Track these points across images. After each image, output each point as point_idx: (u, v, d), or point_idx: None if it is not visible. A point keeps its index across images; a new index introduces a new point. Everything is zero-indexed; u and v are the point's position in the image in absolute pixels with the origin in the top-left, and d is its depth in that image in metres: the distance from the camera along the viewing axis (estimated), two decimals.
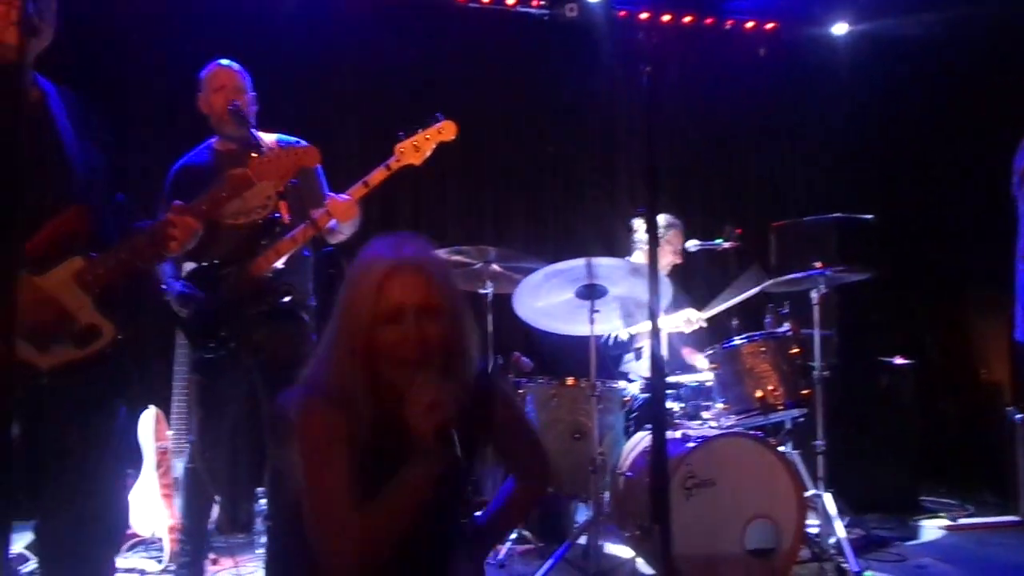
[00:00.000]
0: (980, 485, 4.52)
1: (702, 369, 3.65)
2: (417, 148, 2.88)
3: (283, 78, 4.31)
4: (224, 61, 3.01)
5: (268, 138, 2.93)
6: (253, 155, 2.29)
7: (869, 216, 4.60)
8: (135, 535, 3.60)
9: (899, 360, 4.41)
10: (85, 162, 1.86)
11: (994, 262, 2.88)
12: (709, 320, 3.94)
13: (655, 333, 1.57)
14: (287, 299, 2.88)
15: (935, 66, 5.10)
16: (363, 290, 1.54)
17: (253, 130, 2.83)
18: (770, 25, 5.32)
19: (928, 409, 4.71)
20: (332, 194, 2.91)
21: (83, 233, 1.80)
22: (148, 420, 3.63)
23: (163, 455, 3.59)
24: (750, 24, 5.31)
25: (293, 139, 2.93)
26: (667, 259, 4.07)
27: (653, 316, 1.58)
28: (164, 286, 2.85)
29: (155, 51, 4.24)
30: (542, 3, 4.70)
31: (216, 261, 2.80)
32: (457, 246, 3.67)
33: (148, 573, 3.46)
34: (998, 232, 3.15)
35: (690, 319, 3.90)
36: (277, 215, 2.80)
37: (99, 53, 3.92)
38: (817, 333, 3.50)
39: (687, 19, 5.16)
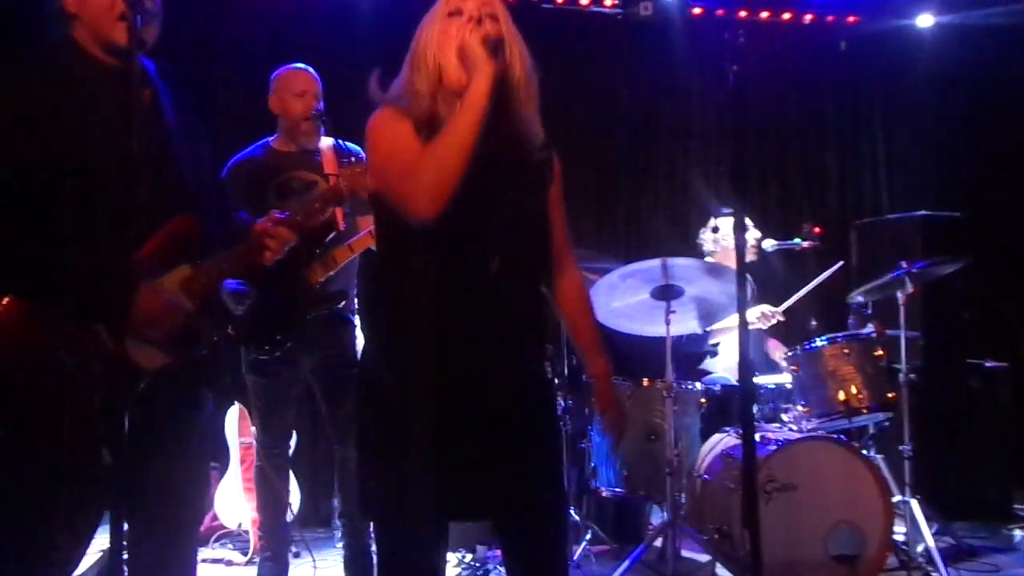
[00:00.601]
0: None
1: (783, 365, 3.57)
2: None
3: (346, 80, 4.42)
4: (301, 65, 3.05)
5: (326, 142, 2.99)
6: (343, 163, 2.34)
7: (957, 213, 4.43)
8: (222, 527, 3.74)
9: (990, 363, 4.24)
10: (195, 162, 1.90)
11: None
12: (788, 319, 3.87)
13: (743, 332, 1.55)
14: (340, 305, 2.94)
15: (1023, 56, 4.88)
16: (436, 5, 1.70)
17: (327, 135, 2.90)
18: (851, 19, 5.17)
19: (1021, 414, 4.50)
20: None
21: (193, 240, 1.85)
22: (233, 416, 3.77)
23: (247, 450, 3.71)
24: (830, 18, 5.17)
25: (349, 145, 2.94)
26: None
27: (742, 315, 1.56)
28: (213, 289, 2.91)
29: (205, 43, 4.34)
30: (616, 2, 4.75)
31: (269, 265, 2.85)
32: None
33: (234, 563, 3.59)
34: None
35: (765, 314, 3.84)
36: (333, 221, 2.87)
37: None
38: (903, 335, 3.40)
39: (764, 14, 5.06)
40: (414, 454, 1.59)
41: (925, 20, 5.16)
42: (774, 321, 3.86)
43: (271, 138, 3.09)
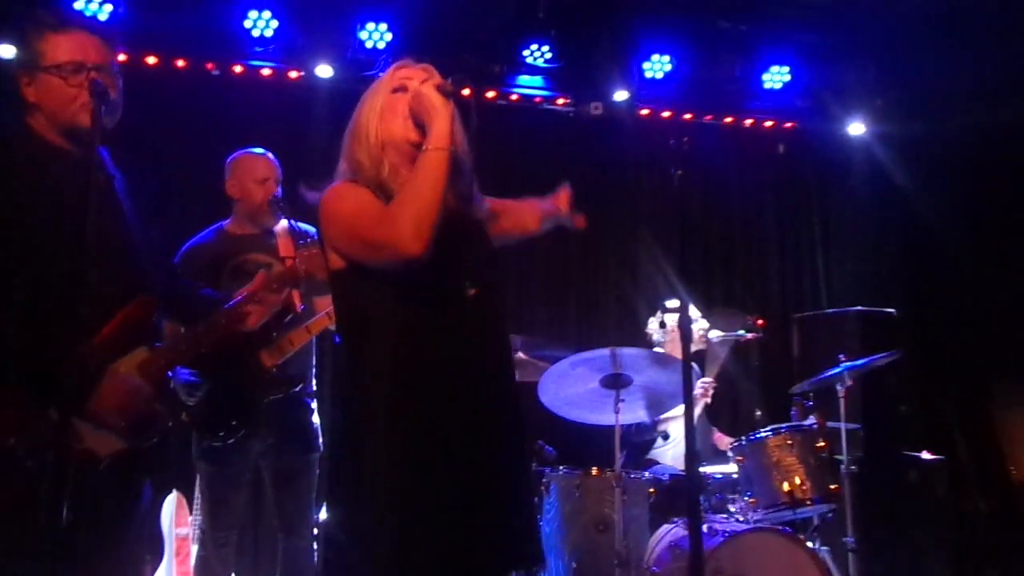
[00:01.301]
0: None
1: (727, 453, 3.63)
2: None
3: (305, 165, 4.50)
4: (260, 150, 3.09)
5: (280, 224, 3.02)
6: (299, 244, 2.38)
7: (891, 310, 4.63)
8: None
9: (927, 455, 4.35)
10: (148, 245, 1.91)
11: (1018, 355, 2.89)
12: (734, 409, 3.94)
13: (690, 426, 1.60)
14: (297, 388, 2.93)
15: (954, 164, 5.22)
16: (379, 82, 1.82)
17: (283, 218, 2.94)
18: (788, 124, 5.49)
19: (959, 506, 4.61)
20: None
21: (149, 323, 1.85)
22: (170, 505, 3.63)
23: (183, 542, 3.56)
24: (769, 123, 5.48)
25: (303, 226, 2.96)
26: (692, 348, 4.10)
27: (689, 406, 1.61)
28: (169, 372, 2.87)
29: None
30: (568, 101, 4.99)
31: (224, 349, 2.82)
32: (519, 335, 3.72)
33: None
34: (1021, 325, 3.17)
35: (703, 385, 3.91)
36: (289, 304, 2.88)
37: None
38: (843, 427, 3.49)
39: (708, 118, 5.33)
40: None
41: (857, 128, 5.50)
42: (711, 391, 3.94)
43: (225, 222, 3.10)
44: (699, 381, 3.96)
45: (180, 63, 4.48)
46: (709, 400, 3.99)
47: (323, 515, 3.48)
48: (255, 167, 3.04)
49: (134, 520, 1.87)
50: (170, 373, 2.80)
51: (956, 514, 4.44)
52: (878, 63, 5.21)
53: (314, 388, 3.12)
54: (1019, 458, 5.00)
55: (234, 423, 2.78)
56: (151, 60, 4.42)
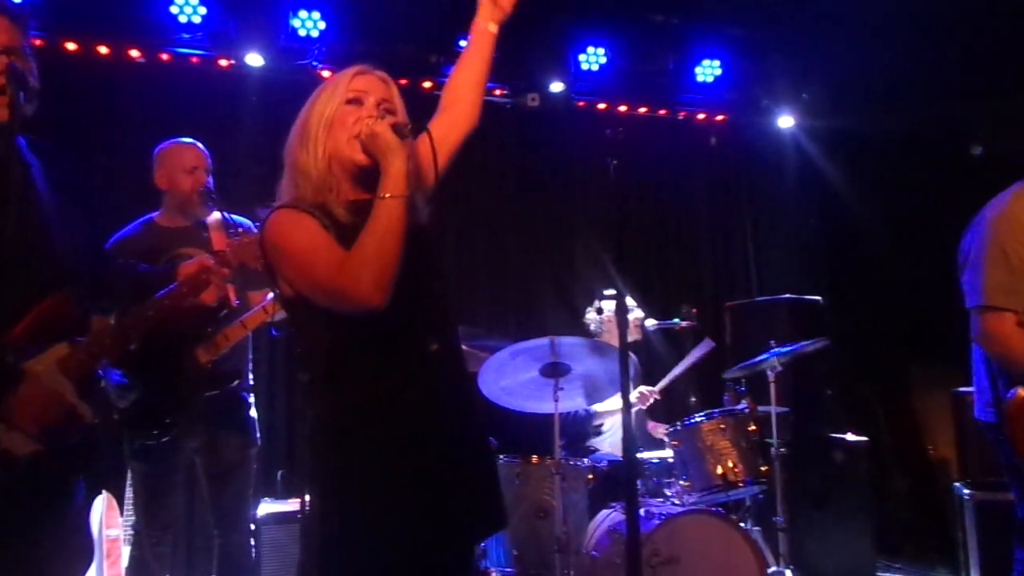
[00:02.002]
0: (933, 560, 4.61)
1: (665, 440, 3.71)
2: None
3: (235, 156, 4.43)
4: (189, 140, 3.02)
5: (213, 216, 2.96)
6: (230, 235, 2.34)
7: (818, 298, 4.80)
8: None
9: (852, 437, 4.53)
10: (70, 235, 1.84)
11: (935, 340, 3.03)
12: (669, 396, 4.03)
13: (627, 409, 1.63)
14: (233, 384, 2.89)
15: (876, 157, 5.43)
16: (332, 86, 1.73)
17: (215, 210, 2.89)
18: (720, 117, 5.62)
19: (881, 485, 4.82)
20: None
21: (69, 318, 1.78)
22: (99, 506, 3.52)
23: (113, 543, 3.46)
24: (701, 116, 5.59)
25: (237, 218, 2.96)
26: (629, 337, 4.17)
27: (625, 392, 1.65)
28: (99, 372, 2.78)
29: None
30: (505, 92, 5.00)
31: (157, 345, 2.69)
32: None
33: None
34: (940, 312, 3.32)
35: (643, 394, 3.99)
36: (224, 299, 2.83)
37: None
38: (773, 410, 3.61)
39: (642, 110, 5.42)
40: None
41: (786, 121, 5.66)
42: (651, 401, 4.01)
43: (155, 214, 3.02)
44: (643, 388, 4.02)
45: (102, 50, 4.32)
46: (644, 408, 4.06)
47: (260, 511, 3.45)
48: (183, 157, 2.97)
49: (66, 519, 1.81)
50: (102, 374, 2.74)
51: (878, 492, 4.64)
52: (805, 58, 5.37)
53: (251, 382, 3.08)
54: (936, 438, 5.26)
55: (168, 421, 2.72)
56: (71, 46, 4.26)
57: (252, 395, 3.06)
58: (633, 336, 4.19)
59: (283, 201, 1.71)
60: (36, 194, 1.80)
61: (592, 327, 4.19)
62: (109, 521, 3.49)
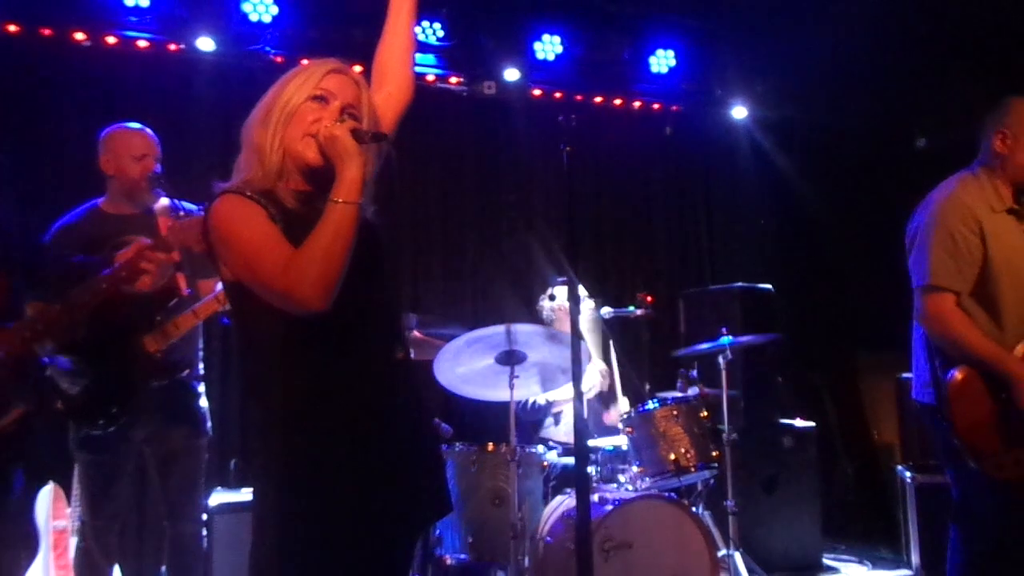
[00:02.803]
0: (876, 541, 4.76)
1: (618, 427, 3.76)
2: None
3: (185, 141, 4.35)
4: (137, 125, 2.96)
5: (161, 203, 2.88)
6: (176, 217, 2.31)
7: (768, 286, 4.89)
8: None
9: (800, 422, 4.64)
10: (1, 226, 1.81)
11: (881, 328, 3.12)
12: (624, 383, 4.07)
13: (579, 398, 1.65)
14: (183, 374, 2.85)
15: (826, 148, 5.54)
16: (303, 76, 1.71)
17: (163, 197, 2.83)
18: (675, 107, 5.67)
19: (828, 470, 4.95)
20: None
21: None
22: (45, 497, 3.45)
23: (60, 535, 3.40)
24: (656, 106, 5.64)
25: (185, 204, 2.89)
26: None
27: (577, 380, 1.67)
28: (46, 359, 2.68)
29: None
30: (461, 80, 4.98)
31: (105, 334, 2.69)
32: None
33: None
34: (888, 300, 3.41)
35: (602, 372, 4.01)
36: (173, 287, 2.79)
37: None
38: (725, 396, 3.68)
39: (598, 99, 5.44)
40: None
41: (740, 112, 5.74)
42: (607, 380, 4.05)
43: (99, 200, 2.95)
44: (600, 367, 4.05)
45: (45, 32, 4.19)
46: (603, 391, 4.09)
47: (212, 500, 3.42)
48: (132, 143, 2.90)
49: (4, 509, 1.78)
50: (48, 361, 2.68)
51: (825, 477, 4.77)
52: (758, 49, 5.44)
53: (201, 372, 3.04)
54: (881, 423, 5.41)
55: (115, 411, 2.68)
56: (12, 28, 4.12)
57: (202, 384, 3.02)
58: (586, 324, 4.21)
59: (233, 183, 1.69)
60: None
61: (544, 315, 4.21)
62: (56, 512, 3.43)
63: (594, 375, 4.01)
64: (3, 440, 1.75)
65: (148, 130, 2.96)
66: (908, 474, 4.02)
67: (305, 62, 1.82)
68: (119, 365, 2.69)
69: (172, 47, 4.40)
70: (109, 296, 2.06)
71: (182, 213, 2.58)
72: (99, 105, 4.07)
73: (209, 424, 3.01)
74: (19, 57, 4.12)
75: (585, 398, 3.92)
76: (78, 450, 2.79)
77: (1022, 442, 2.43)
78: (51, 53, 4.22)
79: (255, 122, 1.72)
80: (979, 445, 2.43)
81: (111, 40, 4.29)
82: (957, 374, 2.47)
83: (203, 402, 2.99)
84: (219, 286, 2.85)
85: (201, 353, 3.05)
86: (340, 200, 1.57)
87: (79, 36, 4.25)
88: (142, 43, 4.34)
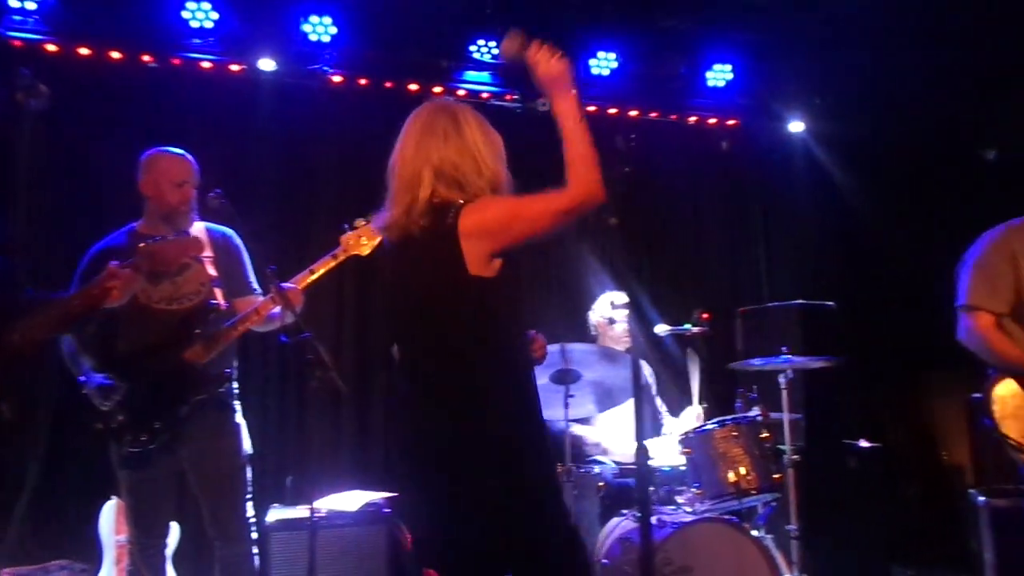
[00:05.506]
0: (947, 566, 4.56)
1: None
2: (362, 240, 2.92)
3: (247, 161, 4.43)
4: (179, 151, 2.99)
5: (197, 226, 2.97)
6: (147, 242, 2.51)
7: (830, 303, 4.76)
8: None
9: (864, 443, 4.49)
10: None
11: (952, 346, 3.02)
12: (681, 400, 3.99)
13: (639, 419, 1.62)
14: (223, 389, 2.86)
15: (887, 162, 5.40)
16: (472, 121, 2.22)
17: (199, 221, 2.92)
18: (731, 122, 5.59)
19: (895, 492, 4.77)
20: (284, 283, 2.84)
21: None
22: (109, 512, 3.52)
23: (123, 549, 3.46)
24: (712, 121, 5.57)
25: (223, 229, 2.98)
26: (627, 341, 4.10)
27: (638, 400, 1.64)
28: (82, 378, 2.75)
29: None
30: (515, 97, 4.99)
31: (144, 349, 2.74)
32: None
33: None
34: (954, 317, 3.29)
35: (699, 415, 3.90)
36: (213, 302, 2.83)
37: None
38: (786, 417, 3.57)
39: (653, 115, 5.39)
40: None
41: (797, 126, 5.63)
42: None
43: (136, 223, 3.00)
44: (695, 410, 3.91)
45: (115, 55, 4.34)
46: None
47: (269, 517, 3.44)
48: (172, 169, 2.94)
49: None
50: (83, 379, 2.72)
51: (892, 499, 4.60)
52: (816, 63, 5.34)
53: (236, 389, 3.00)
54: (948, 444, 5.21)
55: (158, 426, 2.69)
56: (84, 51, 4.28)
57: (239, 401, 2.99)
58: (622, 344, 4.07)
59: (463, 194, 2.07)
60: None
61: (595, 332, 4.15)
62: (120, 527, 3.49)
63: (690, 418, 3.90)
64: None
65: (189, 156, 3.00)
66: (981, 498, 3.85)
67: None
68: (160, 379, 2.71)
69: (234, 67, 4.52)
70: (79, 311, 2.18)
71: (172, 237, 2.66)
72: (166, 125, 4.17)
73: (248, 440, 2.98)
74: (90, 79, 4.26)
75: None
76: (120, 468, 2.78)
77: None
78: (121, 75, 4.36)
79: (496, 158, 2.20)
80: (1020, 440, 2.76)
81: (176, 62, 4.43)
82: (997, 375, 2.85)
83: (239, 418, 2.97)
84: (258, 301, 2.89)
85: (236, 372, 3.01)
86: (579, 120, 1.98)
87: (146, 58, 4.39)
88: (205, 64, 4.47)
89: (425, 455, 2.01)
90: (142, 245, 2.52)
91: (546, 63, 1.93)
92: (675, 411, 4.17)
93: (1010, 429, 2.79)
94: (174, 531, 3.22)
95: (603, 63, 5.04)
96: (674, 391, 4.08)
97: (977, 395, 2.93)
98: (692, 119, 5.52)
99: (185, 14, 4.31)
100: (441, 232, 1.97)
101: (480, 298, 1.95)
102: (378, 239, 2.91)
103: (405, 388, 2.10)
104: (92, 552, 3.50)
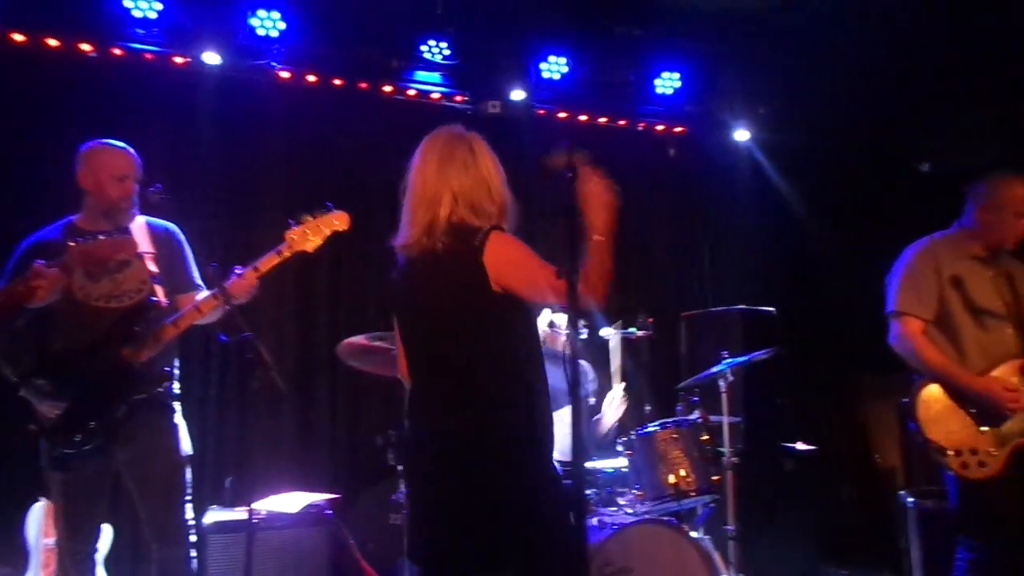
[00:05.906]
0: (878, 567, 4.70)
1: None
2: (308, 236, 2.87)
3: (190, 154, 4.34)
4: (120, 144, 2.92)
5: (137, 220, 2.90)
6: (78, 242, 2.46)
7: (771, 308, 4.87)
8: None
9: (801, 446, 4.60)
10: None
11: (884, 352, 3.11)
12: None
13: (577, 420, 1.64)
14: (162, 388, 2.80)
15: (828, 171, 5.54)
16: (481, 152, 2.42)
17: (140, 215, 2.86)
18: (678, 129, 5.68)
19: (830, 493, 4.90)
20: (236, 272, 2.80)
21: None
22: (37, 514, 3.40)
23: (51, 552, 3.35)
24: (660, 127, 5.65)
25: (165, 224, 2.93)
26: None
27: (576, 403, 1.65)
28: (15, 379, 2.68)
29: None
30: (466, 98, 4.99)
31: (82, 347, 2.67)
32: (377, 332, 3.68)
33: None
34: (887, 324, 3.40)
35: (623, 396, 3.93)
36: (153, 299, 2.77)
37: None
38: (726, 420, 3.64)
39: (602, 120, 5.45)
40: None
41: (742, 135, 5.75)
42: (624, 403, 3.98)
43: (74, 216, 2.91)
44: (616, 391, 3.95)
45: (52, 43, 4.21)
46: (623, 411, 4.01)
47: (206, 519, 3.37)
48: (113, 163, 2.86)
49: None
50: (15, 380, 2.64)
51: (826, 500, 4.72)
52: (762, 73, 5.46)
53: (176, 390, 2.93)
54: (881, 447, 5.37)
55: (93, 425, 2.60)
56: (18, 38, 4.14)
57: (178, 402, 2.92)
58: (557, 348, 4.07)
59: (492, 223, 2.24)
60: None
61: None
62: (47, 530, 3.38)
63: (615, 402, 3.95)
64: None
65: (131, 150, 2.92)
66: (910, 499, 3.98)
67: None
68: (97, 377, 2.63)
69: (178, 60, 4.42)
70: (3, 309, 2.28)
71: (170, 237, 2.59)
72: (105, 117, 4.06)
73: (188, 442, 2.91)
74: (25, 67, 4.12)
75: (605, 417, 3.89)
76: (51, 469, 2.66)
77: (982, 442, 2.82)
78: (57, 64, 4.22)
79: (503, 184, 2.39)
80: (942, 443, 2.85)
81: (117, 52, 4.31)
82: (922, 381, 2.96)
83: (178, 419, 2.89)
84: (198, 298, 2.83)
85: (176, 371, 2.94)
86: (609, 236, 2.18)
87: (85, 47, 4.26)
88: (148, 55, 4.36)
89: (442, 459, 2.13)
90: (72, 244, 2.45)
91: (597, 186, 2.20)
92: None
93: (933, 433, 2.87)
94: (106, 534, 3.14)
95: (554, 67, 5.07)
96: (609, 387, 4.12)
97: (905, 400, 3.01)
98: (641, 125, 5.59)
99: (127, 3, 4.20)
100: (467, 251, 2.15)
101: (500, 313, 2.13)
102: (324, 237, 2.89)
103: (420, 396, 2.23)
104: (18, 556, 3.38)
